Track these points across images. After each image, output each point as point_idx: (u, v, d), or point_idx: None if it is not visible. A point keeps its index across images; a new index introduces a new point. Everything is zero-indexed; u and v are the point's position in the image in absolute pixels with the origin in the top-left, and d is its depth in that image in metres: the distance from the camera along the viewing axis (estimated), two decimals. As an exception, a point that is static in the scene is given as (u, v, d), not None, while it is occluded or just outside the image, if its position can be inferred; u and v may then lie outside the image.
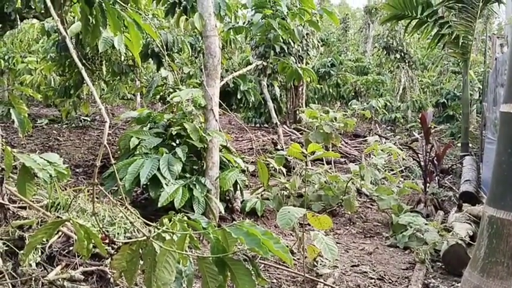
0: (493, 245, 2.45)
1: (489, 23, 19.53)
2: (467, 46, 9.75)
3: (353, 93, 16.07)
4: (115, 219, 3.94)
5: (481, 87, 12.88)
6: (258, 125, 12.89)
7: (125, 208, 3.50)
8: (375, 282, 4.13)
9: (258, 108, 12.31)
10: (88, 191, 4.37)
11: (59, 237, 3.60)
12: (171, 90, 6.81)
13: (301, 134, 10.57)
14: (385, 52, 16.24)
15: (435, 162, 7.15)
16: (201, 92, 5.49)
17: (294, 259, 4.20)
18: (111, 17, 3.50)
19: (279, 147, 8.74)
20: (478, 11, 9.36)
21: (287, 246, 3.09)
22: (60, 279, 3.16)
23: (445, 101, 14.90)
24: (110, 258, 3.45)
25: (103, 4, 3.64)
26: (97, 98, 2.29)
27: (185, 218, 2.59)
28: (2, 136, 3.05)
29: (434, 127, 12.30)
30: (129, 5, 4.88)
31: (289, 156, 6.56)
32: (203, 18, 5.20)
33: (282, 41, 9.06)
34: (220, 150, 5.59)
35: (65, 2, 4.35)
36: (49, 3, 2.81)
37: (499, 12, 12.33)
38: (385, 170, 7.42)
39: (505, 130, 2.67)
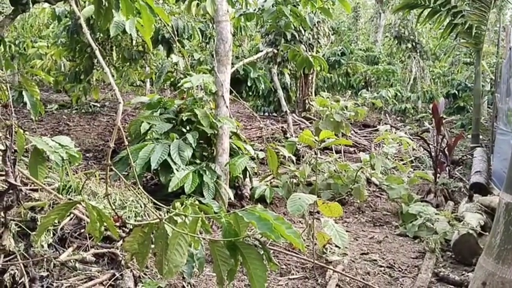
0: (509, 232, 2.43)
1: (502, 13, 19.26)
2: (480, 36, 9.62)
3: (363, 83, 15.96)
4: (126, 202, 3.96)
5: (493, 78, 12.72)
6: (266, 113, 12.85)
7: (136, 191, 3.51)
8: (384, 270, 4.12)
9: (267, 97, 12.26)
10: (99, 175, 4.39)
11: (71, 219, 3.63)
12: (182, 76, 6.79)
13: (310, 123, 10.53)
14: (396, 42, 16.08)
15: (446, 152, 7.09)
16: (212, 78, 5.47)
17: (304, 245, 4.20)
18: (124, -1, 3.47)
19: (288, 135, 8.71)
20: (492, 0, 9.22)
21: (298, 232, 3.07)
22: (71, 261, 3.19)
23: (456, 92, 14.72)
24: (121, 241, 3.47)
25: (116, -13, 3.61)
26: (111, 80, 2.28)
27: (197, 202, 2.60)
28: (14, 118, 3.05)
29: (445, 118, 12.19)
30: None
31: (299, 144, 6.56)
32: (215, 3, 5.17)
33: (293, 28, 8.99)
34: (230, 137, 5.58)
35: (78, -16, 4.32)
36: (63, -16, 2.79)
37: (513, 2, 12.14)
38: (395, 160, 7.37)
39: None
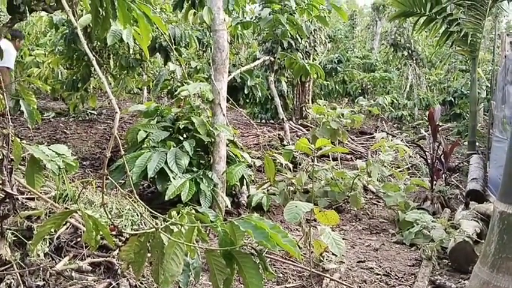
0: (503, 241, 2.44)
1: (498, 21, 19.40)
2: (475, 44, 9.69)
3: (360, 90, 16.03)
4: (122, 211, 3.96)
5: (488, 85, 12.80)
6: (263, 121, 12.87)
7: (133, 200, 3.51)
8: (381, 278, 4.13)
9: (264, 104, 12.29)
10: (96, 183, 4.39)
11: (67, 228, 3.62)
12: (179, 84, 6.81)
13: (307, 130, 10.55)
14: (393, 49, 16.17)
15: (442, 160, 7.11)
16: (209, 86, 5.49)
17: (300, 254, 4.20)
18: (121, 8, 3.49)
19: (285, 143, 8.73)
20: (487, 8, 9.30)
21: (294, 240, 3.07)
22: (68, 270, 3.18)
23: (452, 99, 14.81)
24: (117, 250, 3.46)
25: (113, -4, 3.63)
26: (108, 89, 2.29)
27: (193, 211, 2.60)
28: (11, 127, 3.05)
29: (441, 125, 12.25)
30: (137, -2, 4.87)
31: (296, 151, 6.58)
32: (212, 12, 5.20)
33: (289, 36, 9.03)
34: (227, 145, 5.59)
35: (75, -7, 4.35)
36: (60, -6, 2.80)
37: (508, 10, 12.22)
38: (392, 167, 7.40)
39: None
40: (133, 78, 9.66)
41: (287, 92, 12.21)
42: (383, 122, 13.69)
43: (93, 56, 2.58)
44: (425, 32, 11.58)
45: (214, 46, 5.26)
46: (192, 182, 4.90)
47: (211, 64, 5.37)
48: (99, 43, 8.07)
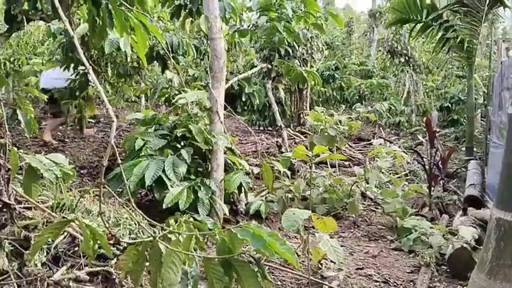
0: (500, 248, 2.44)
1: (494, 27, 19.50)
2: (472, 50, 9.73)
3: (357, 97, 16.07)
4: (120, 220, 3.94)
5: (485, 91, 12.84)
6: (262, 128, 12.88)
7: (130, 209, 3.50)
8: (379, 285, 4.12)
9: (262, 111, 12.30)
10: (93, 192, 4.37)
11: (65, 237, 3.60)
12: (176, 92, 6.82)
13: (305, 137, 10.55)
14: (390, 56, 16.23)
15: (440, 166, 7.12)
16: (207, 94, 5.50)
17: (299, 261, 4.19)
18: (118, 18, 3.51)
19: (283, 150, 8.73)
20: (483, 15, 9.34)
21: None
22: (65, 280, 3.17)
23: (450, 105, 14.85)
24: (115, 259, 3.45)
25: (109, 5, 3.66)
26: (104, 98, 2.30)
27: (191, 219, 2.60)
28: (8, 136, 3.05)
29: (439, 131, 12.26)
30: (135, 7, 4.89)
31: (294, 158, 6.59)
32: (209, 20, 5.21)
33: (286, 44, 9.07)
34: (225, 153, 5.59)
35: (72, 2, 4.37)
36: (57, 4, 2.82)
37: (504, 16, 12.29)
38: (390, 174, 7.40)
39: (512, 132, 2.67)
40: (131, 86, 9.67)
41: (285, 99, 12.23)
42: (380, 128, 13.69)
43: (90, 64, 2.59)
44: (422, 38, 11.66)
45: (212, 54, 5.27)
46: (190, 190, 4.89)
47: (208, 72, 5.38)
48: (96, 52, 8.09)
